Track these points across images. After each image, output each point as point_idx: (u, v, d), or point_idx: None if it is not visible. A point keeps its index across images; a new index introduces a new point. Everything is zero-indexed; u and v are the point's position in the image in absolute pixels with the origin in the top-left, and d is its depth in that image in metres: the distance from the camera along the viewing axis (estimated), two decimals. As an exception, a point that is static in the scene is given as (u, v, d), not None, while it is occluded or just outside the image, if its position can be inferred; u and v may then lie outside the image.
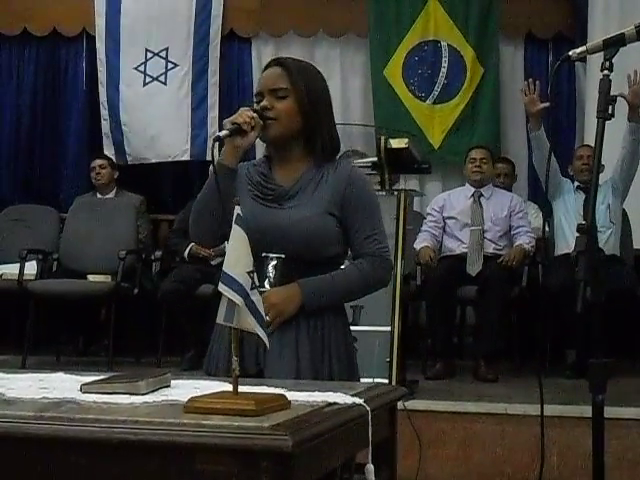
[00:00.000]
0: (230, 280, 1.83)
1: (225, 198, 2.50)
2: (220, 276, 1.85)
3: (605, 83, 2.37)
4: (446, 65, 7.41)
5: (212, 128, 7.43)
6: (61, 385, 2.09)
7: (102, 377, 2.10)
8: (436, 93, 7.43)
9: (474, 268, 5.93)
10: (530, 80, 5.77)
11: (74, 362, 6.31)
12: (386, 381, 4.60)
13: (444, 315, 5.92)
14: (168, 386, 2.08)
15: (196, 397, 1.84)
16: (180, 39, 7.67)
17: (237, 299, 1.82)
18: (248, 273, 1.85)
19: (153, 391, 2.00)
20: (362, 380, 2.69)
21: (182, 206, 6.58)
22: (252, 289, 1.85)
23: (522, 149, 7.34)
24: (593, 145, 2.38)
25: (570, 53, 2.46)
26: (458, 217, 6.17)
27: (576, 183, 6.16)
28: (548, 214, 6.18)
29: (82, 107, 7.90)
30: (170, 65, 7.68)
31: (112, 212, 6.77)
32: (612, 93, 2.37)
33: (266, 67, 2.71)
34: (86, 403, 1.89)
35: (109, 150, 7.60)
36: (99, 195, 7.15)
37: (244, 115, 2.53)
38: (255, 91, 2.68)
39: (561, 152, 6.71)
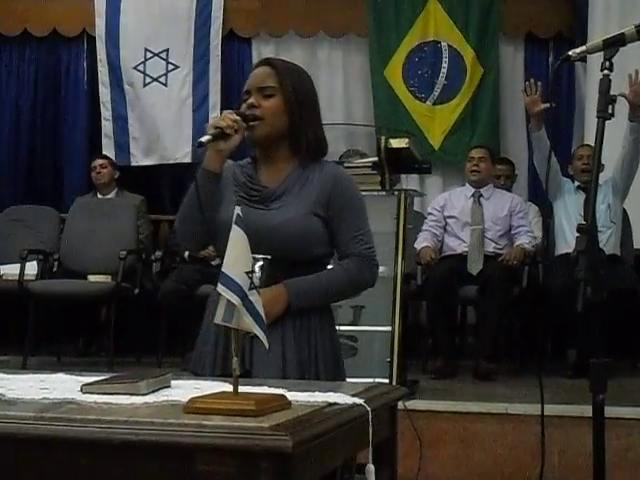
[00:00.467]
0: (228, 281, 1.83)
1: (210, 203, 2.52)
2: (218, 277, 1.85)
3: (605, 83, 2.37)
4: (446, 66, 7.42)
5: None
6: (62, 386, 2.09)
7: (103, 377, 2.10)
8: (436, 94, 7.43)
9: (475, 267, 5.93)
10: (532, 80, 5.77)
11: (75, 362, 6.31)
12: (386, 381, 4.60)
13: (445, 315, 5.92)
14: (169, 386, 2.08)
15: (197, 397, 1.84)
16: (180, 40, 7.67)
17: (235, 300, 1.82)
18: (247, 273, 1.85)
19: (154, 391, 2.00)
20: (363, 380, 2.69)
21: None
22: (251, 289, 1.85)
23: (522, 149, 7.34)
24: (593, 145, 2.38)
25: (570, 53, 2.46)
26: (459, 216, 6.17)
27: (576, 183, 6.16)
28: (548, 214, 6.18)
29: (82, 108, 7.91)
30: (171, 67, 7.68)
31: (112, 212, 6.77)
32: (612, 93, 2.37)
33: (255, 66, 2.71)
34: (87, 404, 1.89)
35: (109, 151, 7.60)
36: (99, 195, 7.15)
37: (227, 118, 2.52)
38: (243, 90, 2.68)
39: (561, 152, 6.72)
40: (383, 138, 5.04)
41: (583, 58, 2.60)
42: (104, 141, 7.68)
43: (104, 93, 7.71)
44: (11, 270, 6.40)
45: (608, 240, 5.94)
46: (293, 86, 2.62)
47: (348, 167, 5.12)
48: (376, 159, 5.09)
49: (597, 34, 5.96)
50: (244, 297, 1.83)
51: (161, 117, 7.65)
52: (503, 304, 5.81)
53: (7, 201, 7.59)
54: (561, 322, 5.56)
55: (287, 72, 2.65)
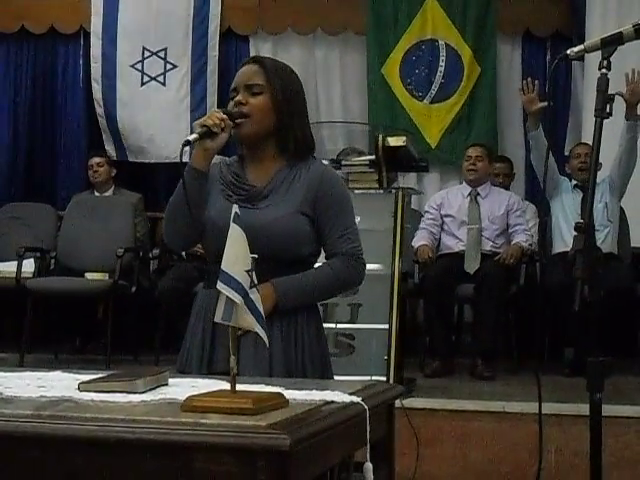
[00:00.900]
0: (229, 279, 1.83)
1: (197, 201, 2.52)
2: (219, 275, 1.85)
3: (603, 81, 2.37)
4: (443, 64, 7.42)
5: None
6: (59, 383, 2.09)
7: (100, 375, 2.10)
8: (433, 92, 7.43)
9: (472, 266, 5.93)
10: (529, 79, 5.78)
11: (72, 360, 6.30)
12: (384, 379, 4.60)
13: (442, 313, 5.92)
14: (166, 384, 2.08)
15: (194, 396, 1.83)
16: (178, 38, 7.67)
17: (236, 298, 1.82)
18: (247, 272, 1.85)
19: (151, 389, 2.00)
20: (360, 378, 2.69)
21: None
22: (251, 288, 1.85)
23: (519, 148, 7.34)
24: (590, 143, 2.38)
25: (568, 52, 2.46)
26: (456, 215, 6.17)
27: (573, 182, 6.16)
28: (546, 212, 6.19)
29: (80, 105, 7.91)
30: (169, 66, 7.68)
31: (110, 210, 6.76)
32: (610, 92, 2.37)
33: (242, 64, 2.70)
34: (84, 402, 1.89)
35: (109, 145, 7.62)
36: (97, 193, 7.14)
37: (214, 117, 2.52)
38: (231, 87, 2.67)
39: (558, 151, 6.72)
40: (381, 136, 5.04)
41: (581, 57, 2.59)
42: (104, 136, 7.70)
43: (96, 90, 7.71)
44: (8, 267, 6.39)
45: (605, 239, 5.94)
46: (281, 84, 2.62)
47: (345, 165, 5.12)
48: (373, 157, 5.09)
49: (595, 33, 5.98)
50: (245, 295, 1.83)
51: (158, 116, 7.65)
52: (500, 302, 5.82)
53: (4, 198, 7.58)
54: (558, 320, 5.57)
55: (275, 70, 2.64)
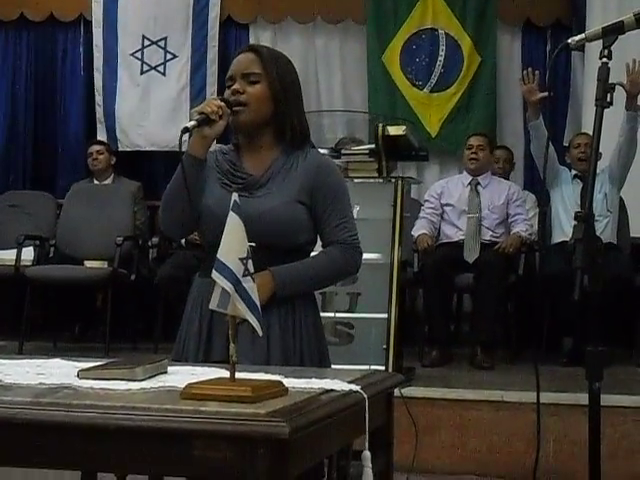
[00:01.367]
0: (222, 267, 1.83)
1: (193, 189, 2.51)
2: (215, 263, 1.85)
3: (604, 71, 2.37)
4: (443, 53, 7.41)
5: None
6: (58, 371, 2.09)
7: (99, 363, 2.10)
8: (433, 81, 7.42)
9: (471, 255, 5.93)
10: (529, 69, 5.77)
11: (70, 348, 6.31)
12: (383, 368, 4.61)
13: (441, 302, 5.92)
14: (165, 372, 2.08)
15: (193, 383, 1.84)
16: (179, 28, 7.66)
17: (227, 286, 1.82)
18: (241, 260, 1.84)
19: (150, 377, 2.00)
20: (359, 367, 2.69)
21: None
22: (245, 276, 1.84)
23: (519, 138, 7.33)
24: (590, 133, 2.38)
25: (569, 41, 2.45)
26: (456, 204, 6.17)
27: (573, 172, 6.16)
28: (545, 202, 6.18)
29: (79, 93, 7.90)
30: (169, 56, 7.68)
31: (109, 198, 6.76)
32: (610, 81, 2.37)
33: (238, 53, 2.70)
34: (83, 389, 1.89)
35: (102, 136, 7.62)
36: (96, 181, 7.14)
37: (212, 104, 2.52)
38: (227, 75, 2.67)
39: (558, 141, 6.71)
40: (380, 125, 5.03)
41: (581, 47, 2.59)
42: (98, 126, 7.69)
43: (98, 79, 7.71)
44: (7, 255, 6.40)
45: (605, 229, 5.94)
46: (277, 73, 2.61)
47: (345, 154, 5.12)
48: (373, 146, 5.08)
49: (595, 22, 5.96)
50: (237, 283, 1.82)
51: (157, 104, 7.64)
52: (499, 292, 5.82)
53: (4, 186, 7.58)
54: (557, 310, 5.57)
55: (271, 59, 2.64)
